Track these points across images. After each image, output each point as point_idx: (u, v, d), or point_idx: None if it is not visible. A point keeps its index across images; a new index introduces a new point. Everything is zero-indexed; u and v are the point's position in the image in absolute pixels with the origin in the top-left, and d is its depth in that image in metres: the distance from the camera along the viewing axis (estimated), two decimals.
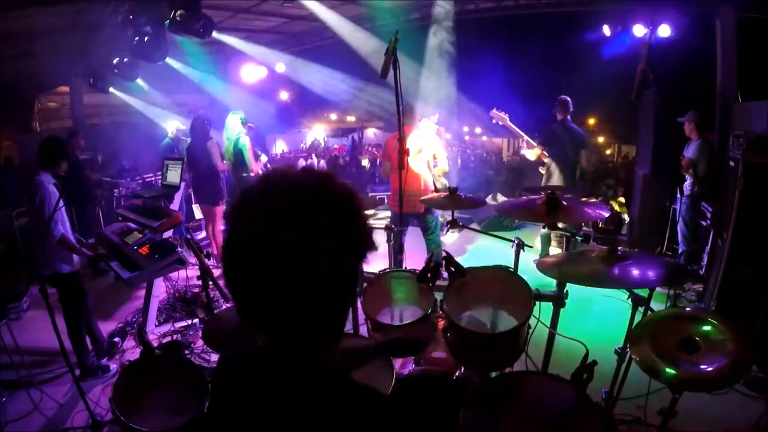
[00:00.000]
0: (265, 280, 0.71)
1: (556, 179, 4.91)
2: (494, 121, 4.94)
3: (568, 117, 4.94)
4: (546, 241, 5.06)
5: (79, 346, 3.24)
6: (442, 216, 4.76)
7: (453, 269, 1.92)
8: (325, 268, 0.72)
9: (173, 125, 7.22)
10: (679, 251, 4.74)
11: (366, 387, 0.77)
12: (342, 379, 0.78)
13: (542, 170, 5.12)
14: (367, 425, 0.72)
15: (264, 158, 5.57)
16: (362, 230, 0.78)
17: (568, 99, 4.96)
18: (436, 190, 4.33)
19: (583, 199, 2.58)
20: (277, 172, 0.79)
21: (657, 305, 1.98)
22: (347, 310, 0.84)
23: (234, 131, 4.96)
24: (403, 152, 2.60)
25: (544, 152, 4.95)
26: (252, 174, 5.05)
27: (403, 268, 2.66)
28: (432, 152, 4.36)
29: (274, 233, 0.69)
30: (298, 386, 0.75)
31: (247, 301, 0.76)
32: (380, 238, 2.88)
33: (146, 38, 5.35)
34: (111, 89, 7.95)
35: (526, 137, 4.99)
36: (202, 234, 6.10)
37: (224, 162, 5.28)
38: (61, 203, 2.98)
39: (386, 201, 7.73)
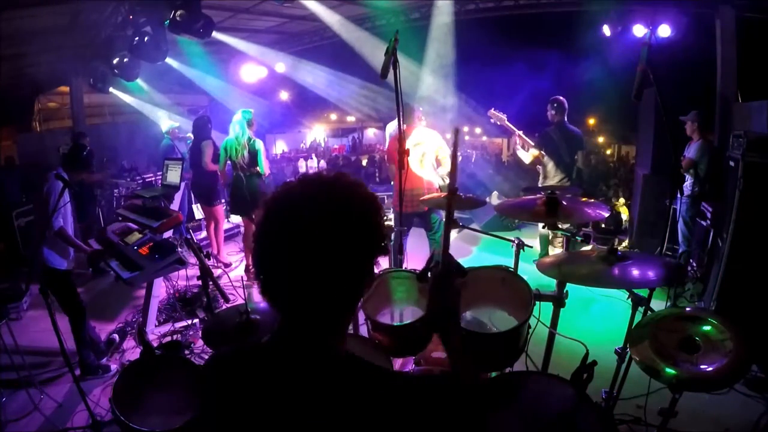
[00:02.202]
0: (293, 263, 0.79)
1: (552, 180, 4.91)
2: (492, 121, 4.91)
3: (565, 118, 4.92)
4: (545, 243, 5.06)
5: (82, 344, 3.24)
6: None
7: (453, 269, 1.91)
8: (346, 259, 0.80)
9: (167, 124, 7.21)
10: (679, 251, 4.74)
11: (380, 367, 0.83)
12: (358, 360, 0.84)
13: (540, 170, 5.12)
14: (386, 401, 0.78)
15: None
16: (380, 231, 0.87)
17: (563, 100, 4.91)
18: (440, 190, 4.31)
19: (583, 199, 2.58)
20: (313, 174, 0.89)
21: (657, 305, 1.98)
22: (356, 305, 0.91)
23: (243, 131, 4.82)
24: (403, 152, 2.60)
25: (542, 153, 4.93)
26: (267, 175, 4.97)
27: (403, 268, 2.66)
28: (434, 152, 4.34)
29: (307, 224, 0.78)
30: (318, 368, 0.81)
31: (275, 282, 0.83)
32: None
33: (146, 38, 5.35)
34: (111, 89, 7.95)
35: (523, 137, 4.93)
36: (203, 234, 6.11)
37: (228, 162, 5.24)
38: (67, 199, 2.98)
39: (386, 201, 7.76)
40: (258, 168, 4.85)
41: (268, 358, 0.84)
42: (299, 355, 0.82)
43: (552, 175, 4.94)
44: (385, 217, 0.90)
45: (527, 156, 4.97)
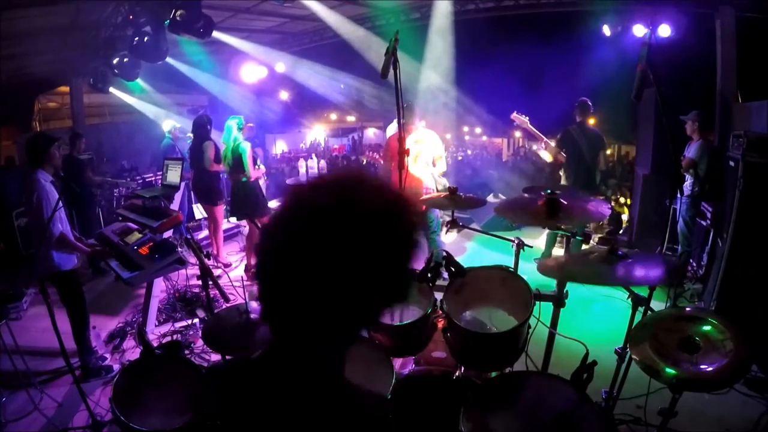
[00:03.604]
0: (297, 273, 0.70)
1: (573, 181, 4.88)
2: (515, 124, 4.89)
3: (586, 119, 4.91)
4: (551, 241, 5.03)
5: (82, 345, 3.24)
6: (443, 216, 4.76)
7: (453, 269, 1.92)
8: (352, 276, 0.70)
9: (169, 124, 7.23)
10: (679, 251, 4.75)
11: (361, 397, 0.76)
12: (340, 386, 0.76)
13: (561, 173, 5.08)
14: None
15: (262, 168, 5.47)
16: (398, 242, 0.73)
17: (588, 101, 4.92)
18: (436, 190, 4.32)
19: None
20: (333, 174, 0.79)
21: (657, 305, 1.98)
22: (367, 321, 0.81)
23: (232, 135, 4.86)
24: (403, 152, 2.60)
25: (562, 154, 4.90)
26: (251, 179, 4.92)
27: None
28: (432, 155, 4.35)
29: (313, 234, 0.69)
30: (296, 385, 0.75)
31: (275, 291, 0.75)
32: None
33: (146, 38, 5.35)
34: (111, 89, 7.95)
35: (545, 139, 4.94)
36: (203, 234, 6.10)
37: (221, 164, 5.24)
38: (60, 204, 2.98)
39: None
40: (245, 172, 4.81)
41: (262, 375, 0.78)
42: (294, 376, 0.75)
43: (572, 177, 4.90)
44: (411, 219, 0.75)
45: (548, 155, 4.98)
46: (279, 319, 0.76)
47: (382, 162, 4.88)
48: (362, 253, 0.69)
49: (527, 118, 4.82)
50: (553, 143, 4.94)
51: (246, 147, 4.84)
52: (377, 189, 0.75)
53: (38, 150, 3.11)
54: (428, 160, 4.36)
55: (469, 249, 6.00)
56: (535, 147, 5.13)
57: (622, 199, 7.38)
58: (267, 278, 0.75)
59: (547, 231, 5.09)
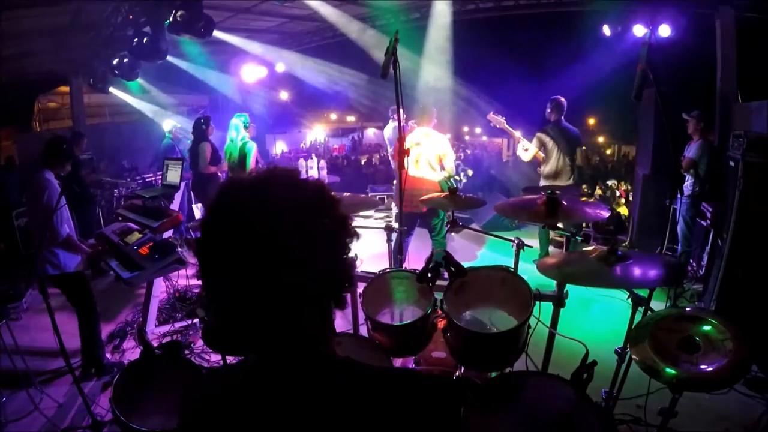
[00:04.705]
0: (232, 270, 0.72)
1: (552, 180, 4.92)
2: (492, 125, 4.95)
3: (562, 118, 4.96)
4: (544, 241, 5.05)
5: (97, 344, 3.24)
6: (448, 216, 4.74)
7: (453, 269, 1.91)
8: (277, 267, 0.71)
9: (169, 124, 7.22)
10: (679, 251, 4.75)
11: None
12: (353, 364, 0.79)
13: (540, 170, 5.13)
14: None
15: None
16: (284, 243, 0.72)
17: (563, 100, 4.97)
18: (442, 189, 4.28)
19: (583, 198, 2.59)
20: (275, 171, 0.79)
21: (657, 305, 1.98)
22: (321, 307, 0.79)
23: (239, 134, 4.91)
24: (403, 152, 2.60)
25: (540, 153, 4.97)
26: None
27: (403, 267, 2.66)
28: (436, 154, 4.32)
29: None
30: (314, 378, 0.76)
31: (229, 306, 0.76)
32: (380, 237, 2.89)
33: (146, 39, 5.35)
34: (111, 89, 7.96)
35: (522, 139, 5.03)
36: None
37: (223, 163, 5.25)
38: (63, 202, 2.98)
39: (387, 200, 7.77)
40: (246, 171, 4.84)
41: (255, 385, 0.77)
42: (290, 371, 0.76)
43: (552, 174, 4.95)
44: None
45: (526, 155, 5.04)
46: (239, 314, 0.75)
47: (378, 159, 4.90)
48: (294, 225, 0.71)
49: (504, 118, 4.90)
50: (531, 144, 5.01)
51: (252, 147, 4.91)
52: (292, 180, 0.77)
53: (57, 152, 3.13)
54: (432, 160, 4.31)
55: (469, 249, 6.00)
56: (520, 145, 5.18)
57: (622, 200, 7.36)
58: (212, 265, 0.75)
59: (539, 232, 5.11)
